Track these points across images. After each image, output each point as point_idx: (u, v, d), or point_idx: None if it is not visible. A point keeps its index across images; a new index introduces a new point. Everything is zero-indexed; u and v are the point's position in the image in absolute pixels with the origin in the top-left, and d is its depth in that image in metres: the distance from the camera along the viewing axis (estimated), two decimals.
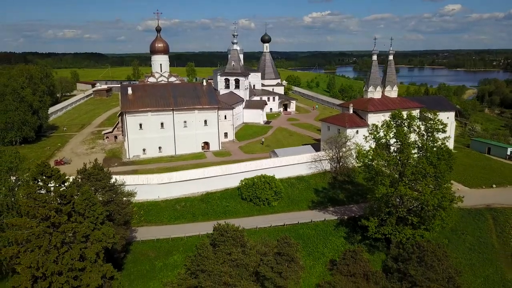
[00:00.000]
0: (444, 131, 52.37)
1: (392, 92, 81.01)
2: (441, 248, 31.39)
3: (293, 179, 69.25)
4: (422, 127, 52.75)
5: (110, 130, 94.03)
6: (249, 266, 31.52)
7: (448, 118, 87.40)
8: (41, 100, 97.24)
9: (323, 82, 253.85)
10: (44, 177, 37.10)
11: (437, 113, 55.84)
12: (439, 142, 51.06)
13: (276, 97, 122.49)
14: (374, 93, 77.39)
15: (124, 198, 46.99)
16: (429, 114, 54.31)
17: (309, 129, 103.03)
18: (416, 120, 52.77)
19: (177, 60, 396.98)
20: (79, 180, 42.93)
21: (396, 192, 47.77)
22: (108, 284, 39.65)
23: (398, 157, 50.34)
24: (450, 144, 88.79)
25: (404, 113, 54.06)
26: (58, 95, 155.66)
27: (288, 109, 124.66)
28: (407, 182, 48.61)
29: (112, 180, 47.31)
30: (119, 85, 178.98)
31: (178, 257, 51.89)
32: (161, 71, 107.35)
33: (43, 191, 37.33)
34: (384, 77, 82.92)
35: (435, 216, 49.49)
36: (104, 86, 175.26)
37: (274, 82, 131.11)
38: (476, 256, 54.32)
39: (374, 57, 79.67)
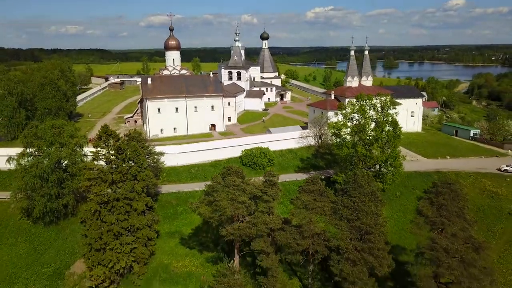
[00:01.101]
0: (394, 108, 69.35)
1: (367, 81, 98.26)
2: (370, 177, 47.58)
3: (284, 151, 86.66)
4: (378, 105, 69.71)
5: (131, 115, 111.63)
6: (247, 190, 48.66)
7: (416, 103, 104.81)
8: (71, 90, 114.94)
9: (320, 76, 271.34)
10: (106, 135, 54.67)
11: (391, 98, 72.77)
12: (389, 117, 68.00)
13: (274, 88, 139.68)
14: (352, 82, 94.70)
15: (155, 156, 64.39)
16: (384, 98, 70.57)
17: (301, 115, 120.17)
18: (373, 100, 69.61)
19: (182, 54, 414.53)
20: (127, 139, 60.53)
21: (355, 152, 65.13)
22: (149, 211, 57.35)
23: (358, 127, 67.56)
24: (418, 126, 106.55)
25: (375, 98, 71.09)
26: (77, 87, 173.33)
27: (284, 99, 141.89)
28: (363, 145, 65.86)
29: (147, 144, 64.87)
30: (131, 79, 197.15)
31: (195, 202, 69.50)
32: (173, 65, 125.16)
33: (104, 146, 54.96)
34: (360, 69, 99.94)
35: (388, 172, 67.02)
36: (117, 80, 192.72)
37: (272, 75, 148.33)
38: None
39: (352, 52, 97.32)
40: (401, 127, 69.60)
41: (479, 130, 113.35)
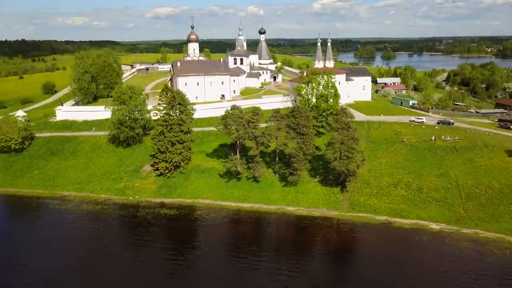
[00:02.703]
0: (334, 77, 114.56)
1: (330, 64, 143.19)
2: (306, 109, 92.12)
3: (271, 111, 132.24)
4: (326, 77, 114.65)
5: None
6: (243, 117, 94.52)
7: (366, 80, 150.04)
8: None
9: (312, 64, 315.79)
10: (166, 89, 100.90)
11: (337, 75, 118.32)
12: (332, 90, 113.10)
13: (268, 72, 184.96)
14: (318, 64, 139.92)
15: (189, 106, 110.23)
16: (327, 76, 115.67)
17: (287, 90, 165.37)
18: (322, 77, 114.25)
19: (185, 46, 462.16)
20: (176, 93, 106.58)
21: (309, 103, 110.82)
22: (189, 134, 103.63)
23: (313, 90, 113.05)
24: (368, 96, 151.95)
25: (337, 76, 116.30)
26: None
27: (277, 80, 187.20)
28: (315, 99, 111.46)
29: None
30: (153, 66, 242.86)
31: (213, 137, 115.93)
32: (194, 53, 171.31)
33: (165, 95, 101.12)
34: (325, 55, 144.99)
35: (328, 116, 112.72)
36: (143, 66, 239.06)
37: (268, 61, 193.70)
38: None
39: (318, 44, 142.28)
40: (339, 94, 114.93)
41: (416, 101, 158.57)
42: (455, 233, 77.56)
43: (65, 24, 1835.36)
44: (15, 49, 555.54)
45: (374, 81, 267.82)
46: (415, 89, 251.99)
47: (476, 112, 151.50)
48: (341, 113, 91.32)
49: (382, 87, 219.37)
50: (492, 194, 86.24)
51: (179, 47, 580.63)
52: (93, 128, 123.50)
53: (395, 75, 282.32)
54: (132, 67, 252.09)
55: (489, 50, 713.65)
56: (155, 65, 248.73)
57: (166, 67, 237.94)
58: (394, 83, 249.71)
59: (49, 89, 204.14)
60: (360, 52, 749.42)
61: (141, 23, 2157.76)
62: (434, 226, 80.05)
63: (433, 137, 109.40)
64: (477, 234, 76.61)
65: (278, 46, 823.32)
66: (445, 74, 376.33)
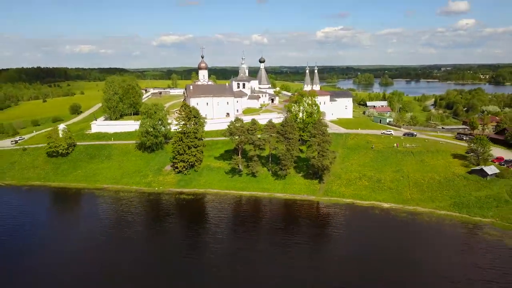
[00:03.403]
0: (315, 103, 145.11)
1: (316, 87, 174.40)
2: (294, 124, 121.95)
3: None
4: (310, 98, 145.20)
5: (177, 109, 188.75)
6: (244, 126, 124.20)
7: (348, 101, 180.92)
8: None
9: None
10: (185, 105, 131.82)
11: (315, 96, 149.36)
12: (314, 109, 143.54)
13: (267, 95, 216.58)
14: (306, 87, 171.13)
15: (201, 119, 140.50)
16: (309, 97, 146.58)
17: (281, 109, 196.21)
18: (308, 98, 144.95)
19: (190, 73, 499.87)
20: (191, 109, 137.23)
21: (296, 118, 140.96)
22: (201, 140, 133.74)
23: (300, 107, 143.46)
24: (350, 114, 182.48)
25: (319, 97, 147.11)
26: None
27: (274, 102, 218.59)
28: (306, 117, 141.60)
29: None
30: (164, 90, 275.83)
31: (220, 144, 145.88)
32: (203, 78, 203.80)
33: (183, 110, 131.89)
34: (313, 80, 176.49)
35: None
36: (157, 90, 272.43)
37: (266, 86, 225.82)
38: (336, 146, 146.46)
39: (307, 71, 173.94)
40: (323, 111, 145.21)
41: (392, 119, 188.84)
42: (399, 209, 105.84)
43: (73, 51, 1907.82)
44: (31, 75, 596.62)
45: (364, 104, 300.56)
46: (400, 110, 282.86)
47: (442, 127, 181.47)
48: (318, 123, 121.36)
49: (371, 109, 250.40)
50: (432, 184, 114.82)
51: (185, 74, 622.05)
52: (112, 138, 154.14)
53: (384, 99, 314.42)
54: (146, 91, 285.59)
55: (483, 77, 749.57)
56: (167, 90, 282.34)
57: (177, 91, 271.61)
58: (382, 106, 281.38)
59: (75, 110, 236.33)
60: (359, 79, 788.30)
61: (147, 51, 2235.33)
62: (385, 205, 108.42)
63: (395, 144, 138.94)
64: (416, 209, 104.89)
65: (280, 73, 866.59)
66: (433, 99, 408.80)
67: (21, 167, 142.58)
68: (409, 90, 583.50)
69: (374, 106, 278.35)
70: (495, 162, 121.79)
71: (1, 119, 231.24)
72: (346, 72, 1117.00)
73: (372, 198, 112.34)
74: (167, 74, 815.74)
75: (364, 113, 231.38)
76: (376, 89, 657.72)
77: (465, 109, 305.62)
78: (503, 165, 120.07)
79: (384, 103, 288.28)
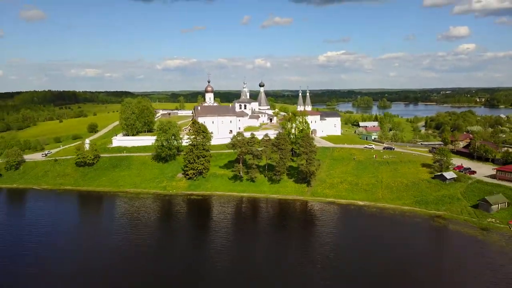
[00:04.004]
0: (305, 121, 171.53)
1: (308, 108, 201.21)
2: (287, 138, 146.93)
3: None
4: (301, 117, 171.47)
5: (187, 127, 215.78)
6: (245, 139, 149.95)
7: (337, 120, 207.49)
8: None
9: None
10: (195, 121, 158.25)
11: (304, 116, 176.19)
12: (305, 126, 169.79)
13: (266, 115, 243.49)
14: (300, 108, 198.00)
15: (208, 134, 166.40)
16: (300, 117, 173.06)
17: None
18: (299, 117, 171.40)
19: (195, 96, 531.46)
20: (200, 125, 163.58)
21: (288, 134, 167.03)
22: (208, 151, 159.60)
23: (292, 125, 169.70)
24: (338, 131, 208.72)
25: (310, 117, 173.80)
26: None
27: (272, 121, 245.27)
28: (297, 133, 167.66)
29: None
30: (172, 111, 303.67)
31: (224, 156, 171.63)
32: (210, 100, 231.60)
33: (193, 125, 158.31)
34: (305, 101, 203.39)
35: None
36: (166, 112, 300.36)
37: (266, 107, 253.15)
38: (323, 158, 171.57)
39: (300, 94, 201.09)
40: (313, 129, 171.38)
41: (376, 136, 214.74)
42: (372, 206, 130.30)
43: (79, 75, 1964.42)
44: (42, 98, 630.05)
45: (357, 124, 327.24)
46: (390, 130, 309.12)
47: (421, 143, 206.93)
48: (306, 137, 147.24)
49: (360, 128, 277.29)
50: (401, 186, 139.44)
51: (189, 97, 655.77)
52: (124, 151, 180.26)
53: (376, 120, 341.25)
54: (156, 112, 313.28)
55: (479, 100, 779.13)
56: (175, 111, 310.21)
57: (184, 112, 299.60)
58: (374, 126, 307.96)
59: (93, 128, 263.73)
60: (358, 102, 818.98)
61: (152, 74, 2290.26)
62: (360, 202, 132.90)
63: (374, 156, 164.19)
64: (385, 206, 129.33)
65: (282, 97, 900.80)
66: (424, 120, 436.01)
67: (53, 175, 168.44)
68: (407, 112, 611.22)
69: (366, 126, 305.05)
70: (455, 170, 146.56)
71: (24, 137, 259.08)
72: (347, 95, 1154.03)
73: (350, 198, 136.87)
74: (172, 97, 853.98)
75: (355, 132, 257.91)
76: (374, 111, 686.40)
77: (451, 129, 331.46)
78: (462, 171, 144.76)
79: (375, 123, 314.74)
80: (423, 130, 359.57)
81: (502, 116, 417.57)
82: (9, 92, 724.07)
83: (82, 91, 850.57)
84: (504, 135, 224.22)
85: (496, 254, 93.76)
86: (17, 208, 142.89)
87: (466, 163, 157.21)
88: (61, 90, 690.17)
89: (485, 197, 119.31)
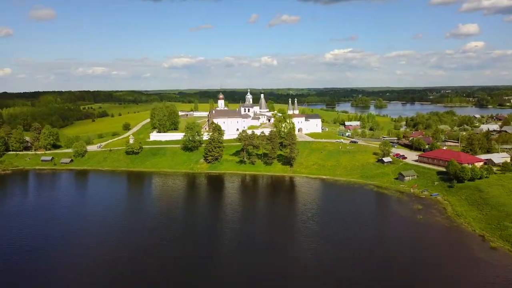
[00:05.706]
0: (287, 121, 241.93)
1: (296, 111, 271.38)
2: (277, 133, 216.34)
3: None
4: (288, 119, 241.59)
5: (204, 125, 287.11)
6: (248, 134, 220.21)
7: (317, 121, 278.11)
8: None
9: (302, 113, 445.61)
10: (214, 123, 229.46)
11: (286, 117, 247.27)
12: (291, 125, 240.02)
13: (265, 116, 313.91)
14: (290, 111, 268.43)
15: (221, 131, 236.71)
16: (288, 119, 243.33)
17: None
18: (288, 119, 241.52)
19: (203, 95, 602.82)
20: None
21: (285, 133, 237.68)
22: (222, 144, 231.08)
23: (282, 124, 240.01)
24: (319, 129, 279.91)
25: (297, 118, 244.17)
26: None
27: (270, 121, 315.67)
28: (286, 131, 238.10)
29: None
30: (189, 112, 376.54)
31: (233, 147, 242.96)
32: (221, 105, 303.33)
33: (211, 125, 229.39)
34: (294, 105, 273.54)
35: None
36: (183, 113, 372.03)
37: (265, 110, 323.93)
38: (304, 149, 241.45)
39: (290, 100, 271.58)
40: (299, 128, 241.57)
41: (350, 133, 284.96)
42: (331, 179, 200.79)
43: (86, 73, 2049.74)
44: (65, 98, 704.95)
45: (343, 124, 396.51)
46: (371, 129, 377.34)
47: (383, 138, 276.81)
48: (290, 133, 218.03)
49: (341, 126, 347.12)
50: (353, 167, 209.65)
51: (198, 96, 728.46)
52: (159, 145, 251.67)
53: (360, 119, 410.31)
54: None
55: (471, 100, 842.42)
56: (191, 112, 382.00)
57: (198, 113, 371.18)
58: (357, 125, 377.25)
59: (127, 127, 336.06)
60: (356, 102, 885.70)
61: (158, 73, 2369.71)
62: (324, 177, 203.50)
63: (340, 147, 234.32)
64: (340, 179, 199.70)
65: (286, 96, 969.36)
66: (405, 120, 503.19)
67: (111, 160, 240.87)
68: (402, 111, 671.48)
69: (351, 125, 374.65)
70: (394, 156, 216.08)
71: (68, 134, 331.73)
72: (351, 94, 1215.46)
73: (318, 174, 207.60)
74: (180, 96, 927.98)
75: (338, 130, 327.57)
76: (372, 111, 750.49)
77: (424, 127, 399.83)
78: (398, 157, 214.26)
79: (358, 123, 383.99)
80: (402, 129, 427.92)
81: (477, 116, 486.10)
82: (28, 92, 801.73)
83: (94, 90, 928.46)
84: (443, 134, 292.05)
85: (396, 203, 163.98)
86: (86, 182, 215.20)
87: (406, 152, 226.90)
88: (81, 90, 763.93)
89: (401, 172, 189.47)
